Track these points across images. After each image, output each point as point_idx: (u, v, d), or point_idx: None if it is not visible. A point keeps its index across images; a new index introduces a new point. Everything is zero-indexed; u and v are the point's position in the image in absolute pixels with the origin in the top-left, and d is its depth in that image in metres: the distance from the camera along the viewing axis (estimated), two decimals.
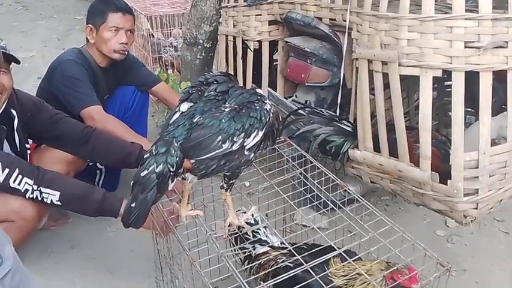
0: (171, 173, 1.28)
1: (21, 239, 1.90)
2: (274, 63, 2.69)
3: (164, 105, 3.11)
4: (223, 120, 1.31)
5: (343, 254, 1.44)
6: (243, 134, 1.33)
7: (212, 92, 1.40)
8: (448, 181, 1.71)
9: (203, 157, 1.32)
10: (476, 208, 1.72)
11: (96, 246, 2.27)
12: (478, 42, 1.60)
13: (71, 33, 5.47)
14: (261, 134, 1.37)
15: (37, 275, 2.05)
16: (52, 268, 2.15)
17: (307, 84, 2.25)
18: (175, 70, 3.74)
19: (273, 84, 2.52)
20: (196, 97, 1.40)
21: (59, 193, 1.80)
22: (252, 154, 1.41)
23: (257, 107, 1.36)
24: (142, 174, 1.26)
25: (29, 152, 2.07)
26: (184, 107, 1.39)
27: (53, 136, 2.09)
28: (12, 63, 1.86)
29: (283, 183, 1.77)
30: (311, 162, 1.76)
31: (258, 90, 1.45)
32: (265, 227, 1.70)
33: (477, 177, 1.69)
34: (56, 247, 2.26)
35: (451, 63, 1.63)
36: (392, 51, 1.71)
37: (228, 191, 1.48)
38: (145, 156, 1.29)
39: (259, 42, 2.49)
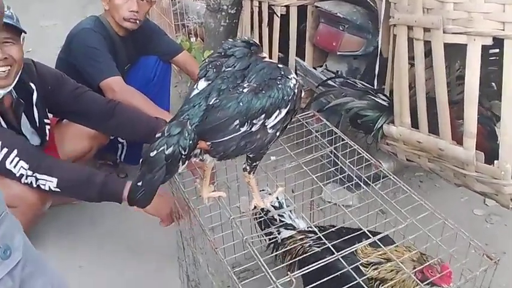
0: (183, 156, 1.19)
1: (26, 225, 1.85)
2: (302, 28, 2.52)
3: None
4: (241, 103, 1.19)
5: (377, 240, 1.32)
6: (263, 115, 1.22)
7: (230, 69, 1.26)
8: (495, 161, 1.55)
9: (220, 140, 1.22)
10: None
11: (117, 223, 2.23)
12: None
13: (96, 0, 5.36)
14: (284, 111, 1.25)
15: (55, 252, 2.05)
16: (71, 245, 2.12)
17: (338, 53, 2.09)
18: (199, 38, 3.60)
19: (301, 53, 2.37)
20: (212, 74, 1.27)
21: (56, 179, 1.75)
22: (276, 131, 1.29)
23: (279, 85, 1.23)
24: (152, 154, 1.18)
25: (48, 127, 2.01)
26: (202, 84, 1.27)
27: (75, 111, 2.02)
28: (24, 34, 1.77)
29: (311, 161, 1.64)
30: (342, 139, 1.64)
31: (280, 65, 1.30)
32: (290, 210, 1.60)
33: None
34: (75, 223, 2.24)
35: (504, 29, 1.45)
36: (437, 16, 1.53)
37: (252, 173, 1.37)
38: (156, 136, 1.20)
39: (287, 7, 2.33)
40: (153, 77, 2.52)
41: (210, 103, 1.22)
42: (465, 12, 1.49)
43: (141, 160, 1.22)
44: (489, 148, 1.65)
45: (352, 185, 1.62)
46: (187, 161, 1.23)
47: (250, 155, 1.32)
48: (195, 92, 1.26)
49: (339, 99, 1.89)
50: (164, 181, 1.21)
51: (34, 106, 1.92)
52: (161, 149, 1.17)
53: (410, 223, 1.31)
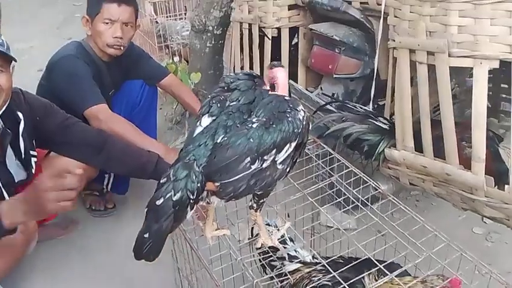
0: (191, 201, 1.11)
1: (8, 267, 1.76)
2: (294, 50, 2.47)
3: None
4: (251, 139, 1.12)
5: (384, 268, 1.28)
6: (274, 150, 1.15)
7: (235, 103, 1.20)
8: (506, 186, 1.51)
9: (229, 180, 1.14)
10: None
11: (109, 255, 2.14)
12: None
13: (71, 21, 5.26)
14: (293, 145, 1.19)
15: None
16: (62, 279, 2.02)
17: (335, 75, 2.04)
18: (183, 59, 3.53)
19: (293, 75, 2.31)
20: (217, 110, 1.20)
21: None
22: (286, 167, 1.22)
23: (289, 119, 1.17)
24: (158, 202, 1.09)
25: (35, 159, 1.89)
26: (206, 121, 1.20)
27: (64, 142, 1.91)
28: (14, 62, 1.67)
29: (309, 185, 1.63)
30: (338, 161, 1.62)
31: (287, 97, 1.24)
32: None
33: None
34: (65, 257, 2.13)
35: (511, 52, 1.42)
36: (441, 39, 1.49)
37: (259, 211, 1.30)
38: (161, 182, 1.11)
39: (278, 29, 2.28)
40: (139, 101, 2.43)
41: (218, 141, 1.14)
42: (471, 35, 1.47)
43: (145, 210, 1.12)
44: (495, 170, 1.62)
45: (349, 204, 1.58)
46: (195, 206, 1.14)
47: (258, 192, 1.25)
48: (199, 129, 1.19)
49: (340, 125, 1.84)
50: (172, 230, 1.12)
51: (20, 136, 1.81)
52: (168, 195, 1.08)
53: (413, 245, 1.30)
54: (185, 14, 3.64)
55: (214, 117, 1.19)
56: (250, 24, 2.37)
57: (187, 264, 1.49)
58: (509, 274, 2.02)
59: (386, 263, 1.28)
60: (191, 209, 1.13)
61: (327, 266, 1.30)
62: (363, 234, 1.47)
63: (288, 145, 1.17)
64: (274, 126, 1.15)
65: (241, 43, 2.47)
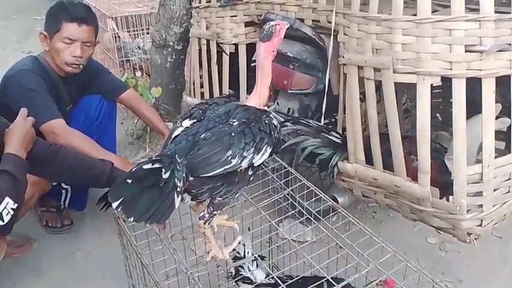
0: (178, 188, 1.18)
1: None
2: (252, 64, 2.51)
3: None
4: (233, 134, 1.24)
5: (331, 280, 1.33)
6: (253, 148, 1.25)
7: (214, 112, 1.34)
8: (450, 197, 1.58)
9: (210, 174, 1.22)
10: (480, 225, 1.60)
11: (64, 274, 2.10)
12: (480, 45, 1.46)
13: (31, 34, 5.15)
14: (269, 150, 1.31)
15: None
16: None
17: (289, 91, 2.08)
18: (144, 74, 3.52)
19: (251, 91, 2.33)
20: (198, 115, 1.34)
21: (9, 199, 1.56)
22: (251, 176, 1.34)
23: (266, 121, 1.31)
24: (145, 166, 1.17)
25: None
26: (186, 123, 1.33)
27: None
28: None
29: (266, 197, 1.69)
30: (293, 174, 1.67)
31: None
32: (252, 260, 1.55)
33: (481, 192, 1.56)
34: (19, 276, 2.08)
35: (451, 69, 1.49)
36: (386, 56, 1.55)
37: (208, 223, 1.32)
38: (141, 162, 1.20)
39: (235, 45, 2.31)
40: (98, 116, 2.40)
41: (201, 137, 1.25)
42: (413, 53, 1.53)
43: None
44: (441, 181, 1.68)
45: (306, 219, 1.62)
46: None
47: (215, 200, 1.31)
48: (180, 129, 1.31)
49: (294, 139, 1.88)
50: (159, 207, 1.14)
51: None
52: (156, 166, 1.15)
53: (362, 256, 1.37)
54: (147, 29, 3.64)
55: (195, 120, 1.32)
56: (208, 40, 2.40)
57: (140, 280, 1.48)
58: (461, 283, 2.10)
59: (331, 277, 1.32)
60: (177, 197, 1.17)
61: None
62: (319, 245, 1.51)
63: (265, 147, 1.28)
64: (253, 124, 1.27)
65: (200, 59, 2.49)
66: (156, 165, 1.15)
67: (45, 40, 2.15)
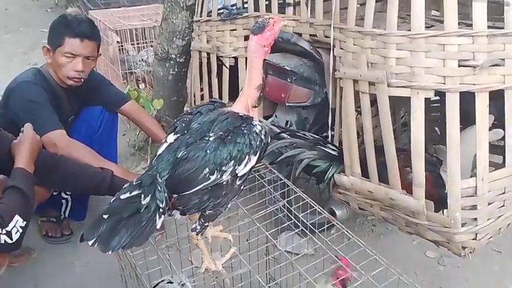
0: (160, 209, 1.19)
1: None
2: None
3: None
4: (208, 151, 1.23)
5: None
6: (232, 161, 1.24)
7: (197, 123, 1.32)
8: (445, 211, 1.58)
9: (190, 191, 1.23)
10: (475, 239, 1.60)
11: (62, 284, 2.11)
12: (473, 60, 1.48)
13: (38, 47, 5.20)
14: (254, 159, 1.29)
15: None
16: None
17: (287, 104, 2.10)
18: (148, 86, 3.55)
19: None
20: (181, 128, 1.32)
21: (19, 217, 1.57)
22: (241, 185, 1.33)
23: (244, 131, 1.27)
24: (123, 196, 1.18)
25: None
26: (170, 138, 1.31)
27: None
28: None
29: (263, 208, 1.69)
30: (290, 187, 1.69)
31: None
32: None
33: (475, 205, 1.57)
34: (17, 286, 2.08)
35: (445, 83, 1.51)
36: (381, 71, 1.57)
37: (200, 234, 1.34)
38: (124, 186, 1.21)
39: (235, 58, 2.34)
40: (99, 128, 2.42)
41: (178, 156, 1.24)
42: (407, 67, 1.55)
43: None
44: (437, 194, 1.68)
45: (303, 231, 1.63)
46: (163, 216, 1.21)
47: (206, 213, 1.32)
48: (164, 146, 1.30)
49: (291, 151, 1.90)
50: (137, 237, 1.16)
51: None
52: (134, 193, 1.17)
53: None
54: (151, 42, 3.69)
55: (178, 135, 1.30)
56: (208, 54, 2.43)
57: None
58: None
59: None
60: (159, 218, 1.19)
61: None
62: (315, 257, 1.53)
63: (247, 157, 1.26)
64: (229, 137, 1.25)
65: (201, 71, 2.52)
66: (135, 193, 1.17)
67: (48, 53, 2.18)
